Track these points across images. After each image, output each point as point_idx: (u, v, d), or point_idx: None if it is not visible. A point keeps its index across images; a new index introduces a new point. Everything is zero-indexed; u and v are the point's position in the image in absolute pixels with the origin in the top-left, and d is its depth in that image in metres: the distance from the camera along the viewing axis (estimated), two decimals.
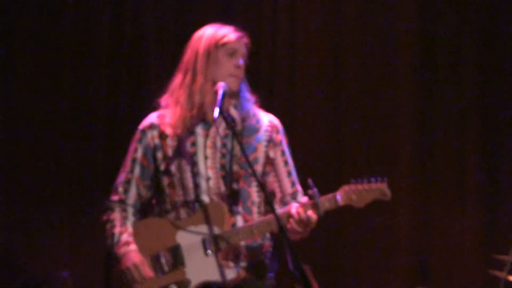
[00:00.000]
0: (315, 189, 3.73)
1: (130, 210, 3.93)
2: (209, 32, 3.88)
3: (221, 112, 3.66)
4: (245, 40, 3.89)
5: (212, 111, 3.74)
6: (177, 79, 3.92)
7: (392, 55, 6.47)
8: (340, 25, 6.47)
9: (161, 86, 6.14)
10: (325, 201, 3.72)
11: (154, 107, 4.04)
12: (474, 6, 6.46)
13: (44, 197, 6.18)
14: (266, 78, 6.37)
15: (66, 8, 6.25)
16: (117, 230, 3.88)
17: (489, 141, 6.46)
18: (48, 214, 6.17)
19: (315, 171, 5.99)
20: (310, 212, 3.67)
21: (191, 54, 3.88)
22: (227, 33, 3.85)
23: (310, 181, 3.72)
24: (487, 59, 6.47)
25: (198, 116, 3.84)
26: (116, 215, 3.92)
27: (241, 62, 3.84)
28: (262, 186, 3.71)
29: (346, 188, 3.76)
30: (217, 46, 3.83)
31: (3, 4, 6.16)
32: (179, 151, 3.85)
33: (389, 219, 6.35)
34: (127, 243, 3.84)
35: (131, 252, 3.82)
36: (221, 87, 3.77)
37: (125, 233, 3.87)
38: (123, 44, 6.32)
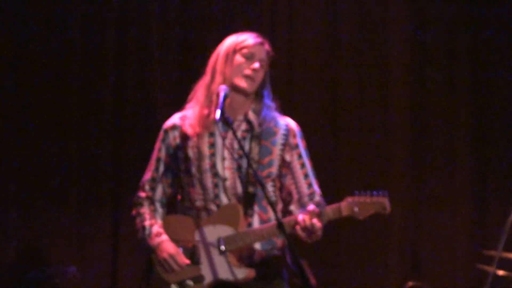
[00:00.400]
0: (322, 199, 3.94)
1: (158, 204, 4.05)
2: (231, 38, 3.99)
3: (222, 114, 3.73)
4: (266, 47, 3.99)
5: (230, 111, 3.89)
6: (200, 80, 4.02)
7: (388, 62, 6.56)
8: (336, 30, 6.56)
9: (165, 88, 6.30)
10: (330, 211, 3.85)
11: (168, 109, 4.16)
12: (466, 12, 6.57)
13: (53, 196, 6.25)
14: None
15: (74, 15, 6.34)
16: (147, 222, 3.99)
17: (478, 143, 6.54)
18: (57, 213, 6.24)
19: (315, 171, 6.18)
20: (315, 220, 3.80)
21: (213, 58, 3.98)
22: (247, 38, 3.96)
23: None
24: (479, 63, 6.55)
25: (215, 122, 3.92)
26: (145, 209, 4.03)
27: (256, 65, 3.92)
28: (262, 187, 3.77)
29: (349, 199, 3.86)
30: (235, 49, 3.93)
31: (14, 10, 6.26)
32: (199, 152, 3.92)
33: (383, 217, 6.43)
34: (158, 234, 3.95)
35: (164, 242, 3.93)
36: (222, 90, 3.83)
37: (155, 225, 3.98)
38: (128, 47, 6.40)
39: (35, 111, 6.30)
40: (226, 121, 3.81)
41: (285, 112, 6.19)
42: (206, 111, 3.92)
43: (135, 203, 4.08)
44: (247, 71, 3.92)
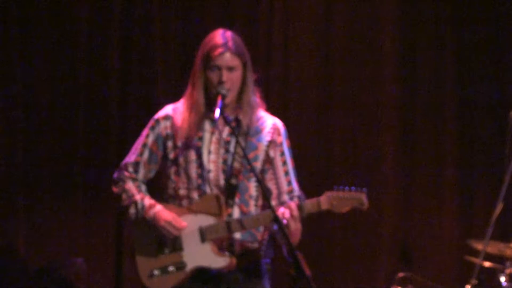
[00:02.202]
0: (301, 192, 4.01)
1: (141, 183, 4.12)
2: (203, 47, 4.03)
3: (221, 113, 3.85)
4: (231, 50, 3.98)
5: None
6: (189, 86, 4.09)
7: (377, 63, 6.69)
8: (329, 31, 6.69)
9: (168, 85, 6.38)
10: (309, 204, 3.92)
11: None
12: (451, 12, 6.72)
13: (59, 189, 6.33)
14: (261, 76, 6.50)
15: (81, 14, 6.42)
16: (137, 197, 4.05)
17: (465, 138, 6.69)
18: (64, 205, 6.32)
19: (307, 168, 6.22)
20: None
21: (193, 66, 4.05)
22: (210, 49, 3.97)
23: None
24: (464, 62, 6.69)
25: (204, 117, 4.02)
26: (130, 185, 4.09)
27: (224, 77, 3.95)
28: (260, 182, 3.91)
29: (328, 194, 3.92)
30: (205, 64, 3.98)
31: (26, 12, 6.34)
32: (187, 143, 4.01)
33: (375, 212, 6.50)
34: (152, 206, 4.02)
35: (160, 211, 3.99)
36: (222, 90, 3.92)
37: (145, 198, 4.05)
38: (132, 44, 6.50)
39: (43, 111, 6.36)
40: (225, 120, 3.92)
41: (279, 108, 6.37)
42: (194, 119, 4.02)
43: (117, 180, 4.12)
44: (217, 86, 3.96)
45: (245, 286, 4.05)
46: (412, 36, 6.74)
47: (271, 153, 4.10)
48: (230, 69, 3.98)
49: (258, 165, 4.07)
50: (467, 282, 4.68)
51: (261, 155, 4.07)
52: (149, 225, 4.03)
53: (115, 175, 4.15)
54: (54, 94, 6.37)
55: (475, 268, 4.71)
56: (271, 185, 4.12)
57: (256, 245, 4.09)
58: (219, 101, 3.91)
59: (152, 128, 4.12)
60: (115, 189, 4.14)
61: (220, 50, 3.96)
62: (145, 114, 4.27)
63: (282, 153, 4.13)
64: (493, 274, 5.59)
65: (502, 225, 5.84)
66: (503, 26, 6.70)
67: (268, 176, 4.11)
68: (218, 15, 6.54)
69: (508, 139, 4.50)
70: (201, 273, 4.00)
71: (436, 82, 6.72)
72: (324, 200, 3.94)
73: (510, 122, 4.51)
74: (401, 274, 5.98)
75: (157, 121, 4.11)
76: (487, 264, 5.61)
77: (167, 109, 4.14)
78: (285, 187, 4.12)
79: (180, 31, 6.54)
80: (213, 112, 3.88)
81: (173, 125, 4.08)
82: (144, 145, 4.11)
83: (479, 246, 5.50)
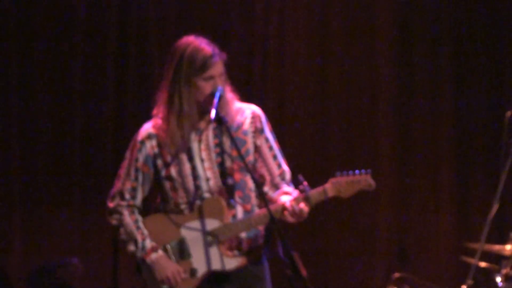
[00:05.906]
0: (305, 183, 3.94)
1: (136, 211, 4.09)
2: (188, 57, 3.99)
3: (217, 113, 3.84)
4: (220, 56, 3.99)
5: (205, 120, 4.00)
6: (163, 96, 4.05)
7: (374, 64, 6.71)
8: (326, 33, 6.71)
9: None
10: (315, 194, 3.93)
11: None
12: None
13: (56, 189, 6.37)
14: (258, 73, 6.62)
15: (77, 17, 6.46)
16: (138, 237, 4.04)
17: (462, 139, 6.71)
18: (60, 205, 6.35)
19: (304, 165, 6.19)
20: (302, 205, 3.91)
21: (174, 76, 4.01)
22: (203, 60, 3.95)
23: (300, 176, 3.95)
24: (461, 55, 6.71)
25: (190, 129, 4.01)
26: (128, 219, 4.07)
27: (218, 84, 3.95)
28: (255, 180, 3.92)
29: (333, 180, 3.96)
30: (196, 74, 3.95)
31: (23, 18, 6.39)
32: (178, 157, 4.02)
33: (371, 212, 6.58)
34: (154, 249, 4.03)
35: (162, 259, 4.02)
36: (218, 90, 3.92)
37: (147, 238, 4.04)
38: (129, 46, 6.53)
39: (39, 111, 6.40)
40: (221, 120, 3.90)
41: (276, 109, 6.42)
42: (179, 133, 4.00)
43: (112, 211, 4.10)
44: (211, 90, 3.96)
45: (254, 281, 4.08)
46: (409, 37, 6.75)
47: (258, 142, 4.10)
48: (221, 75, 4.00)
49: (251, 158, 4.09)
50: (463, 283, 4.69)
51: (251, 148, 4.09)
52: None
53: (110, 204, 4.12)
54: (50, 98, 6.41)
55: (471, 268, 4.72)
56: (263, 172, 4.12)
57: (261, 240, 4.11)
58: (215, 102, 3.90)
59: (139, 150, 4.08)
60: (111, 221, 4.12)
61: (215, 60, 3.97)
62: (142, 120, 4.25)
63: (267, 140, 4.14)
64: (489, 275, 5.57)
65: (498, 225, 5.96)
66: (502, 26, 6.71)
67: (259, 164, 4.11)
68: (214, 19, 6.56)
69: (504, 140, 4.51)
70: (213, 275, 4.02)
71: (433, 83, 6.74)
72: (330, 187, 3.97)
73: (506, 122, 4.52)
74: (397, 274, 5.97)
75: (142, 142, 4.08)
76: (483, 264, 5.60)
77: (147, 128, 4.10)
78: (276, 171, 4.12)
79: (177, 35, 6.53)
80: (209, 113, 3.88)
81: (159, 143, 4.06)
82: (136, 169, 4.08)
83: (475, 246, 5.42)
